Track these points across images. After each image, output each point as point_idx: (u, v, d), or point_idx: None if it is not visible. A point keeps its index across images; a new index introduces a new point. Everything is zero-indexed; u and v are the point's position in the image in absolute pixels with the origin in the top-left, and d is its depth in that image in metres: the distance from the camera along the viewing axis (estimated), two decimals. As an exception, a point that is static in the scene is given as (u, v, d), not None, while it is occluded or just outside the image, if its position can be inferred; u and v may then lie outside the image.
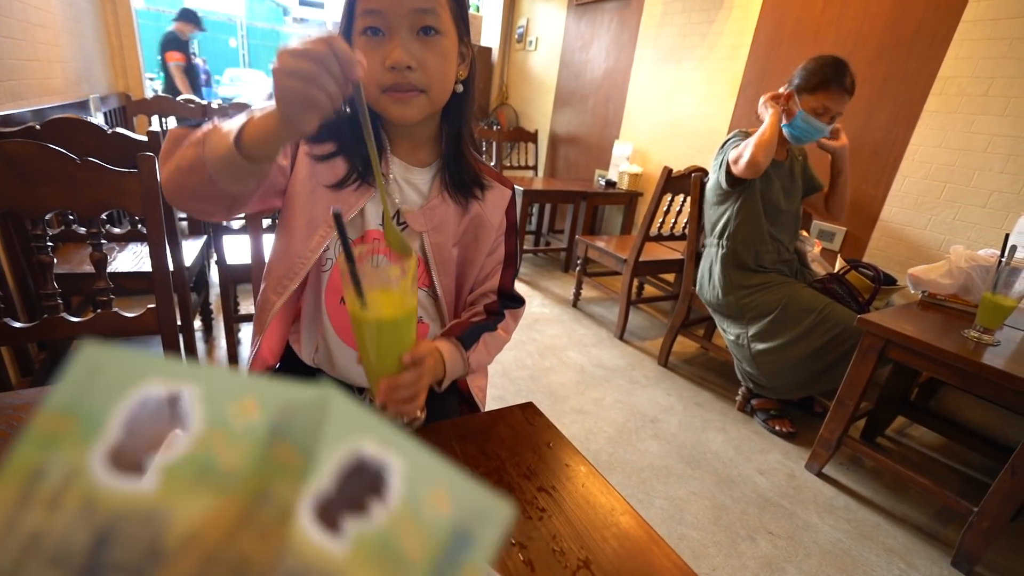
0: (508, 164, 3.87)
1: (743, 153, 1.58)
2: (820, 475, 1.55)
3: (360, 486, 0.15)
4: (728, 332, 1.82)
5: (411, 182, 0.70)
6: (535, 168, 3.89)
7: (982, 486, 1.58)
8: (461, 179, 0.71)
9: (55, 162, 0.86)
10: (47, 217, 0.91)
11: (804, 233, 1.87)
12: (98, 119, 2.51)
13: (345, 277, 0.48)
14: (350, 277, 0.48)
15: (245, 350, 1.84)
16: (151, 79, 4.41)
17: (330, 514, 0.14)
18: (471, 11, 4.77)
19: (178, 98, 2.95)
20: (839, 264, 1.77)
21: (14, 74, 1.66)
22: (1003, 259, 1.25)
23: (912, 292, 1.58)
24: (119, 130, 1.36)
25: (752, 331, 1.72)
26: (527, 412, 0.75)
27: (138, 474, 0.13)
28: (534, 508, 0.55)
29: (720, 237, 1.77)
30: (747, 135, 1.65)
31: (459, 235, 0.74)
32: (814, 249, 1.79)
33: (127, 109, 2.99)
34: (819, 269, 1.77)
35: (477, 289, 0.79)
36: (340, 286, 0.72)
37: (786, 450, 1.66)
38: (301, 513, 0.14)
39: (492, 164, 3.62)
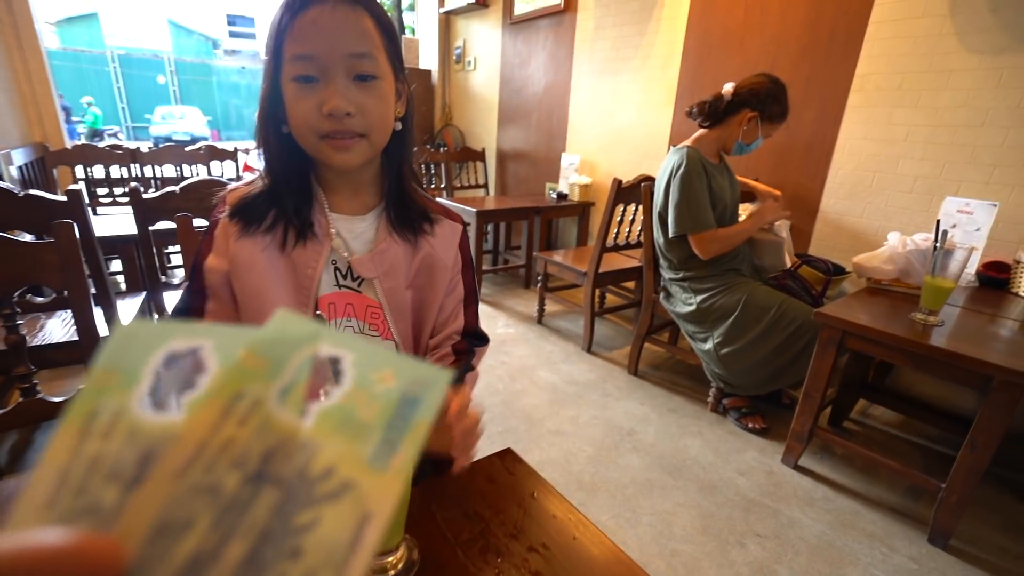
0: (459, 184, 3.85)
1: (706, 247, 1.70)
2: (797, 468, 1.58)
3: (319, 377, 0.19)
4: (694, 338, 1.85)
5: (354, 232, 0.67)
6: (486, 186, 3.89)
7: (944, 458, 1.66)
8: (407, 216, 0.68)
9: (-45, 242, 0.77)
10: (-49, 303, 0.82)
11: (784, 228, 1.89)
12: (11, 174, 2.33)
13: None
14: None
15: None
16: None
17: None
18: (407, 35, 4.77)
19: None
20: (789, 260, 1.83)
21: (-94, 138, 1.50)
22: (937, 243, 1.32)
23: (858, 279, 1.66)
24: (33, 192, 1.25)
25: (716, 334, 1.75)
26: (506, 460, 0.72)
27: (169, 409, 0.18)
28: (526, 572, 0.52)
29: (675, 252, 1.81)
30: (691, 156, 1.68)
31: (411, 277, 0.70)
32: (784, 235, 1.84)
33: (46, 160, 2.79)
34: (789, 259, 1.83)
35: (441, 332, 0.74)
36: None
37: (761, 446, 1.69)
38: (271, 402, 0.18)
39: (442, 185, 3.59)
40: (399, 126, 0.65)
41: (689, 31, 2.49)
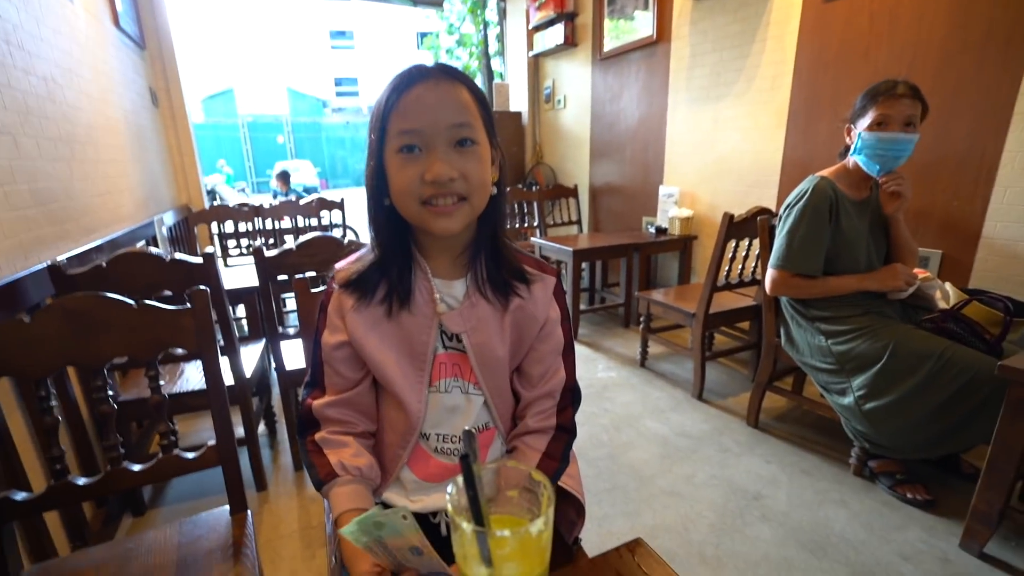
0: (551, 222, 3.84)
1: (777, 285, 1.60)
2: (982, 557, 1.28)
3: None
4: (828, 390, 1.60)
5: (453, 293, 0.68)
6: (579, 223, 3.83)
7: None
8: (498, 276, 0.67)
9: (114, 311, 0.85)
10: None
11: (927, 275, 1.61)
12: (163, 233, 2.67)
13: (466, 543, 0.39)
14: (477, 542, 0.38)
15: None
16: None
17: None
18: (496, 80, 4.95)
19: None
20: (954, 296, 1.54)
21: (88, 211, 1.76)
22: None
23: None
24: (177, 256, 1.39)
25: (856, 386, 1.50)
26: (637, 553, 0.62)
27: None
28: None
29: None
30: (819, 187, 1.51)
31: (505, 334, 0.69)
32: (944, 288, 1.56)
33: (188, 220, 3.19)
34: (944, 305, 1.54)
35: (539, 387, 0.72)
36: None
37: (928, 524, 1.40)
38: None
39: (535, 224, 3.59)
40: (494, 190, 0.66)
41: (801, 48, 2.29)
